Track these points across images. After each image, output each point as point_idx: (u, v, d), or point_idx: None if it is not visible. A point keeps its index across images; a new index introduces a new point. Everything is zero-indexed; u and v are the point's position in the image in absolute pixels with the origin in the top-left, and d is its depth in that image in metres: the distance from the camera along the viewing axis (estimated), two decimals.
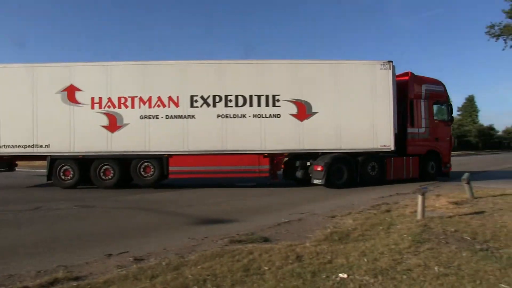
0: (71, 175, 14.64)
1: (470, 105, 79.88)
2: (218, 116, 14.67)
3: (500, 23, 24.63)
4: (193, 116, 14.62)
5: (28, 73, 14.54)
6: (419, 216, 8.01)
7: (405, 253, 5.60)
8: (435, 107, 16.86)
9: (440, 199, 10.68)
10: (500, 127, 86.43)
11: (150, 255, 5.83)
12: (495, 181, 16.15)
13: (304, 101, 14.89)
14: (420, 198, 8.06)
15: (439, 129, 16.99)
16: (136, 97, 14.56)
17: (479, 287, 4.37)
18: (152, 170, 14.71)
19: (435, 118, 16.84)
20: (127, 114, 14.51)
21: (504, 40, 24.80)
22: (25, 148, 14.42)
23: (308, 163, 15.18)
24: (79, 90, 14.47)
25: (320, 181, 14.55)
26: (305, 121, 14.89)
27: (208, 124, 14.64)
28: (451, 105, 17.37)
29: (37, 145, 14.40)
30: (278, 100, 14.81)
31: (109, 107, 14.50)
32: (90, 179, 14.72)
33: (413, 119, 16.35)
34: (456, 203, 10.08)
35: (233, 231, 7.37)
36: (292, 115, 14.85)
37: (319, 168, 14.56)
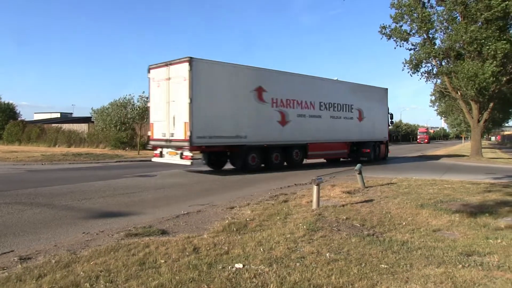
0: (256, 161, 17.71)
1: None
2: (331, 117, 21.26)
3: (390, 25, 26.61)
4: (320, 116, 20.57)
5: (232, 71, 16.85)
6: (314, 206, 8.40)
7: (299, 241, 5.85)
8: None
9: (334, 189, 11.32)
10: None
11: (38, 253, 5.43)
12: (384, 171, 17.68)
13: (361, 109, 23.16)
14: (315, 188, 8.44)
15: (387, 129, 26.80)
16: (295, 100, 19.24)
17: (364, 269, 4.71)
18: (299, 154, 19.71)
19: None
20: (290, 113, 19.00)
21: (394, 40, 26.83)
22: (231, 138, 16.60)
23: (355, 148, 23.23)
24: (264, 91, 17.80)
25: (367, 158, 23.08)
26: (361, 122, 23.25)
27: (326, 122, 20.93)
28: (391, 114, 27.00)
29: (239, 136, 16.80)
30: (352, 108, 22.59)
31: (281, 106, 18.57)
32: (266, 163, 18.39)
33: None
34: (349, 192, 10.79)
35: (130, 224, 7.16)
36: (357, 118, 22.98)
37: (367, 151, 23.41)
